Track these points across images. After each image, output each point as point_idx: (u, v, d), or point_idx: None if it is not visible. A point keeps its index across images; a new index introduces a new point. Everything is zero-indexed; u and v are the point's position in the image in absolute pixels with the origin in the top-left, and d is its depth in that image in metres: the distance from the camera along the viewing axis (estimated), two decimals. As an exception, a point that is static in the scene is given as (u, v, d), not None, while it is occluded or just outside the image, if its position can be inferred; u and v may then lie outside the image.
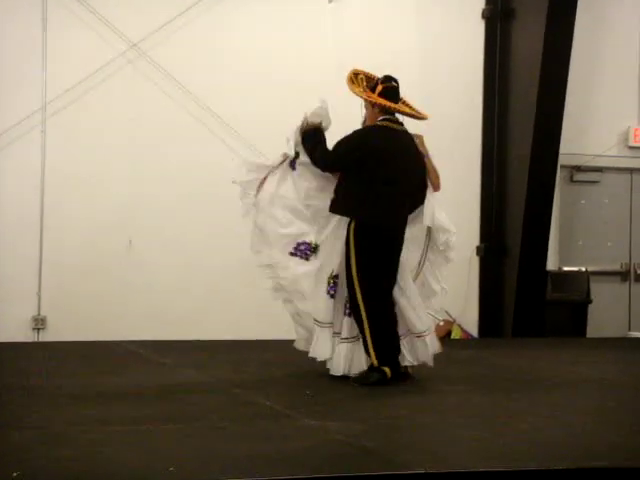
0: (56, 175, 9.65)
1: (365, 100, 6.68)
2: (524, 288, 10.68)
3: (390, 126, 6.64)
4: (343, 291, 6.58)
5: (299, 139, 6.69)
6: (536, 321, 10.71)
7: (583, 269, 11.22)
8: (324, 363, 6.65)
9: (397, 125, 6.68)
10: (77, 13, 9.71)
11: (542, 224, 10.70)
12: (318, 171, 6.68)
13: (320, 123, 6.67)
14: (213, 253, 9.80)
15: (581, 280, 11.03)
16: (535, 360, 8.50)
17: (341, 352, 6.55)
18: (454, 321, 10.58)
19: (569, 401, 6.17)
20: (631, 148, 11.56)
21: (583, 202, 11.56)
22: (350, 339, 6.57)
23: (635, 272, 11.68)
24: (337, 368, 6.55)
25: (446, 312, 10.16)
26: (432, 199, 6.69)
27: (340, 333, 6.57)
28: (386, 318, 6.49)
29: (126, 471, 3.96)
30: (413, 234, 6.70)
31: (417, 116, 6.81)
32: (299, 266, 6.69)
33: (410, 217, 6.67)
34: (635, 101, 11.55)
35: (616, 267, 11.63)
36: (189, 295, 9.87)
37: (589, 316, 10.97)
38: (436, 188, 6.74)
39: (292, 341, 7.00)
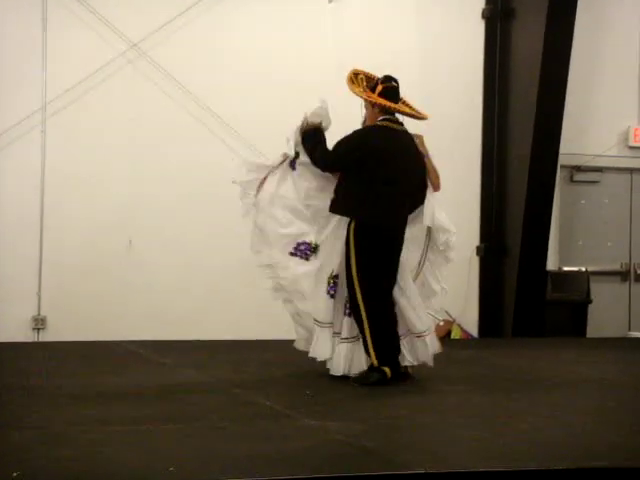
0: (56, 175, 9.65)
1: (365, 100, 6.69)
2: (524, 288, 10.68)
3: (390, 126, 6.64)
4: (343, 291, 6.58)
5: (299, 139, 6.69)
6: (536, 321, 10.71)
7: (583, 269, 11.22)
8: (324, 363, 6.65)
9: (397, 125, 6.68)
10: (77, 13, 9.71)
11: (542, 224, 10.70)
12: (318, 171, 6.68)
13: (320, 123, 6.67)
14: (213, 253, 9.81)
15: (581, 280, 11.03)
16: (535, 360, 8.50)
17: (341, 352, 6.55)
18: (454, 321, 10.58)
19: (569, 401, 6.17)
20: (631, 148, 11.56)
21: (583, 202, 11.56)
22: (350, 339, 6.57)
23: (635, 272, 11.68)
24: (337, 368, 6.55)
25: (446, 312, 10.16)
26: (432, 199, 6.69)
27: (340, 333, 6.57)
28: (386, 318, 6.49)
29: (126, 471, 3.96)
30: (413, 234, 6.70)
31: (417, 116, 6.82)
32: (299, 266, 6.69)
33: (410, 217, 6.68)
34: (635, 101, 11.55)
35: (616, 267, 11.63)
36: (189, 295, 9.86)
37: (589, 316, 10.97)
38: (436, 188, 6.74)
39: (292, 341, 7.00)
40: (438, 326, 7.16)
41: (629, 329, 11.49)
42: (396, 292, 6.58)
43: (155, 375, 6.91)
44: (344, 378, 6.50)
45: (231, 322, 9.67)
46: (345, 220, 6.54)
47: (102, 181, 9.77)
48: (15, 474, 3.76)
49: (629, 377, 7.63)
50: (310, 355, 6.68)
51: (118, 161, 9.82)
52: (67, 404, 5.54)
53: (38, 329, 9.65)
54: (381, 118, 6.63)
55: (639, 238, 11.67)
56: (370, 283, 6.45)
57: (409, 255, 6.67)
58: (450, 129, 10.50)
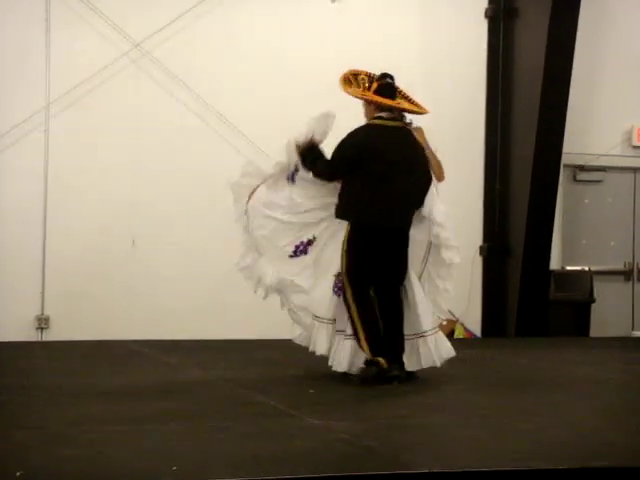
0: (59, 175, 9.66)
1: (360, 99, 6.69)
2: (527, 288, 10.68)
3: (383, 124, 6.61)
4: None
5: (298, 161, 6.66)
6: (539, 321, 10.71)
7: (586, 268, 11.22)
8: (327, 362, 6.64)
9: (392, 122, 6.63)
10: (80, 13, 9.72)
11: (545, 224, 10.69)
12: (317, 181, 6.67)
13: (313, 139, 6.63)
14: (216, 252, 9.79)
15: (584, 279, 11.03)
16: (538, 360, 8.50)
17: (345, 348, 6.55)
18: (457, 320, 10.57)
19: (572, 401, 6.16)
20: (635, 147, 11.55)
21: (586, 201, 11.55)
22: (353, 336, 6.57)
23: (638, 271, 11.67)
24: (340, 364, 6.55)
25: (449, 312, 10.13)
26: (434, 190, 6.67)
27: (344, 330, 6.57)
28: (376, 315, 6.50)
29: (128, 471, 3.96)
30: (418, 231, 6.67)
31: (416, 111, 6.78)
32: (295, 266, 6.71)
33: (416, 214, 6.65)
34: (639, 100, 11.52)
35: (619, 266, 11.62)
36: (192, 294, 9.87)
37: (592, 316, 10.97)
38: (439, 179, 6.72)
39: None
40: (441, 325, 7.12)
41: (632, 328, 11.48)
42: (400, 291, 6.58)
43: (159, 374, 6.92)
44: (347, 377, 6.50)
45: (235, 321, 9.68)
46: (345, 222, 6.57)
47: (105, 181, 9.78)
48: (18, 473, 3.76)
49: (633, 376, 7.62)
50: (310, 349, 6.69)
51: (121, 161, 9.82)
52: (69, 403, 5.54)
53: (41, 329, 9.65)
54: (376, 116, 6.63)
55: (643, 238, 11.68)
56: (360, 282, 6.47)
57: (414, 252, 6.65)
58: (453, 129, 10.51)
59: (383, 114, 6.62)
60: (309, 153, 6.61)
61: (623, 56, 11.39)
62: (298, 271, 6.73)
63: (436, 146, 6.76)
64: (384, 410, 5.57)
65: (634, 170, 11.68)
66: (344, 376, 6.53)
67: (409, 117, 6.76)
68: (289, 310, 6.87)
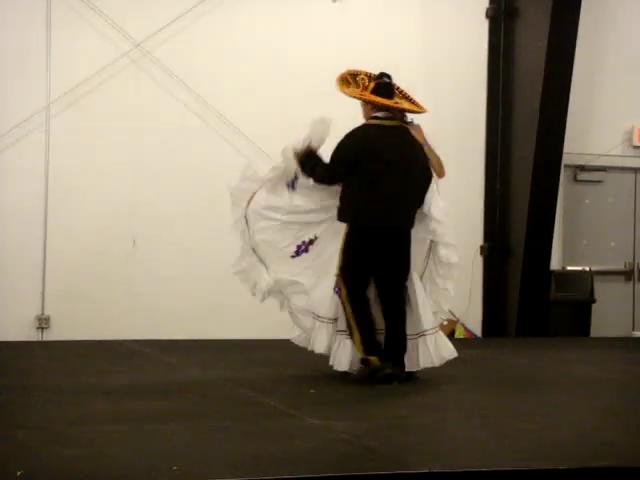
0: (60, 174, 9.66)
1: (357, 99, 6.69)
2: (528, 288, 10.67)
3: (380, 123, 6.61)
4: None
5: (298, 168, 6.66)
6: (540, 321, 10.71)
7: (587, 269, 11.22)
8: (327, 362, 6.64)
9: (389, 121, 6.62)
10: (81, 13, 9.71)
11: (546, 224, 10.69)
12: (318, 186, 6.67)
13: (310, 145, 6.62)
14: (217, 252, 9.78)
15: (585, 280, 11.03)
16: (539, 360, 8.49)
17: (346, 348, 6.55)
18: (458, 320, 10.57)
19: (573, 401, 6.16)
20: (635, 147, 11.55)
21: (587, 202, 11.55)
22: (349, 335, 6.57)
23: (639, 271, 11.67)
24: (341, 364, 6.55)
25: (450, 312, 10.13)
26: (434, 187, 6.65)
27: (346, 330, 6.57)
28: (370, 315, 6.51)
29: (129, 470, 3.95)
30: (419, 229, 6.66)
31: (414, 111, 6.76)
32: (295, 266, 6.71)
33: (418, 212, 6.64)
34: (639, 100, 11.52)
35: (620, 267, 11.61)
36: (192, 294, 9.86)
37: (593, 316, 10.97)
38: (440, 175, 6.71)
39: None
40: (442, 325, 7.12)
41: (633, 329, 11.48)
42: (403, 291, 6.58)
43: (159, 374, 6.92)
44: (347, 378, 6.50)
45: (235, 321, 9.67)
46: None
47: (106, 180, 9.77)
48: (19, 473, 3.76)
49: (633, 377, 7.62)
50: (309, 348, 6.69)
51: (122, 161, 9.82)
52: (69, 403, 5.54)
53: (42, 328, 9.65)
54: (372, 115, 6.63)
55: (643, 238, 11.68)
56: (354, 282, 6.48)
57: (416, 251, 6.63)
58: (454, 128, 10.51)
59: (380, 114, 6.62)
60: (307, 160, 6.61)
61: (624, 56, 11.39)
62: (299, 271, 6.74)
63: (435, 143, 6.74)
64: (384, 410, 5.57)
65: (635, 170, 11.68)
66: (345, 376, 6.53)
67: (410, 116, 6.75)
68: (289, 312, 6.88)
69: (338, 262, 6.56)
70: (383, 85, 6.62)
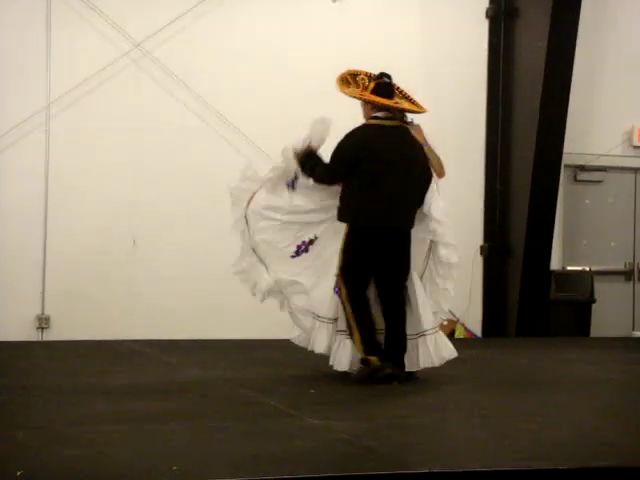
0: (60, 174, 9.66)
1: (358, 99, 6.69)
2: (528, 288, 10.67)
3: (379, 123, 6.61)
4: None
5: (298, 168, 6.66)
6: (540, 321, 10.71)
7: (587, 269, 11.22)
8: (327, 362, 6.64)
9: (389, 121, 6.62)
10: (81, 13, 9.71)
11: (546, 224, 10.69)
12: (318, 186, 6.67)
13: (310, 145, 6.62)
14: (217, 252, 9.78)
15: (585, 280, 11.03)
16: (539, 360, 8.49)
17: (346, 348, 6.55)
18: (458, 320, 10.57)
19: (573, 401, 6.16)
20: (635, 147, 11.55)
21: (587, 202, 11.55)
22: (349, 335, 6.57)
23: (639, 272, 11.67)
24: (341, 364, 6.55)
25: (450, 311, 10.13)
26: (434, 187, 6.65)
27: (346, 330, 6.57)
28: (370, 315, 6.51)
29: (129, 470, 3.95)
30: (420, 229, 6.66)
31: (414, 111, 6.75)
32: (294, 266, 6.71)
33: (418, 212, 6.64)
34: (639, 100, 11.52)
35: (620, 267, 11.61)
36: (192, 294, 9.86)
37: (593, 316, 10.97)
38: (440, 175, 6.70)
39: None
40: (442, 325, 7.11)
41: (633, 329, 11.48)
42: (404, 291, 6.58)
43: (159, 374, 6.92)
44: (347, 378, 6.50)
45: (235, 321, 9.67)
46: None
47: (106, 180, 9.77)
48: (19, 473, 3.76)
49: (633, 377, 7.62)
50: (309, 348, 6.70)
51: (122, 161, 9.82)
52: (69, 403, 5.54)
53: (42, 328, 9.65)
54: (372, 115, 6.63)
55: (643, 238, 11.68)
56: (354, 282, 6.48)
57: (416, 251, 6.63)
58: (454, 128, 10.51)
59: (380, 114, 6.62)
60: (307, 160, 6.60)
61: (624, 56, 11.39)
62: (299, 271, 6.74)
63: (435, 143, 6.73)
64: (384, 410, 5.57)
65: (635, 170, 11.68)
66: (345, 376, 6.53)
67: (410, 116, 6.75)
68: (289, 312, 6.88)
69: (338, 262, 6.56)
70: (383, 85, 6.62)
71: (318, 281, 6.69)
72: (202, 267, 9.86)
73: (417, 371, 6.63)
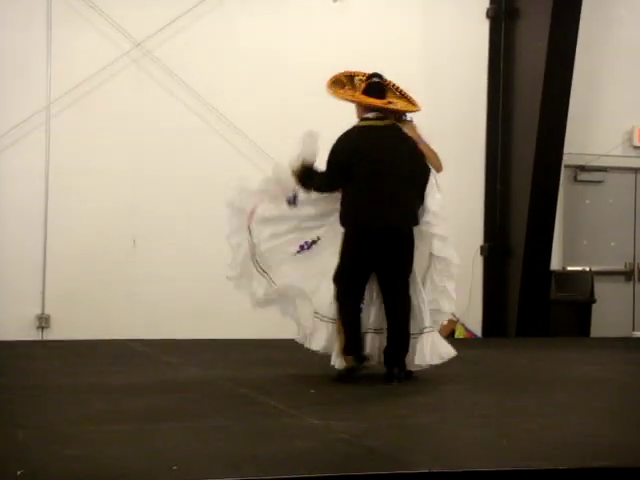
0: (60, 174, 9.66)
1: (350, 101, 6.68)
2: (528, 288, 10.67)
3: (369, 124, 6.59)
4: None
5: (298, 187, 6.66)
6: (540, 321, 10.71)
7: (587, 269, 11.22)
8: (328, 362, 6.64)
9: (379, 121, 6.60)
10: (81, 12, 9.71)
11: (546, 224, 10.69)
12: (319, 197, 6.68)
13: (305, 162, 6.61)
14: (217, 252, 9.74)
15: (585, 280, 11.03)
16: (539, 360, 8.49)
17: None
18: (458, 320, 10.56)
19: (573, 401, 6.16)
20: (636, 148, 11.55)
21: (587, 202, 11.55)
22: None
23: (639, 272, 11.66)
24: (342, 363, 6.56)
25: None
26: (433, 181, 6.63)
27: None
28: (357, 316, 6.51)
29: (129, 470, 3.95)
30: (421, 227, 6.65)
31: (407, 110, 6.72)
32: (294, 270, 6.72)
33: (420, 209, 6.63)
34: (640, 100, 11.53)
35: (620, 267, 11.62)
36: (193, 294, 9.86)
37: (593, 316, 10.97)
38: (438, 169, 6.68)
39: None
40: (442, 325, 7.10)
41: (633, 329, 11.48)
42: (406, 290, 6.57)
43: (159, 374, 6.91)
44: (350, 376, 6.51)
45: (235, 321, 9.65)
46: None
47: (106, 180, 9.77)
48: (19, 473, 3.76)
49: (633, 377, 7.62)
50: (306, 345, 6.71)
51: (122, 160, 9.82)
52: (69, 403, 5.54)
53: (42, 328, 9.65)
54: (363, 117, 6.62)
55: (643, 238, 11.68)
56: (344, 282, 6.48)
57: (420, 249, 6.61)
58: (454, 128, 10.51)
59: (370, 114, 6.60)
60: (305, 176, 6.60)
61: (624, 56, 11.39)
62: (302, 272, 6.72)
63: (431, 138, 6.71)
64: (384, 410, 5.57)
65: (635, 170, 11.68)
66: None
67: (409, 114, 6.74)
68: (293, 318, 6.88)
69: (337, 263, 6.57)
70: (373, 85, 6.61)
71: (320, 280, 6.68)
72: (202, 267, 9.85)
73: (417, 371, 6.62)
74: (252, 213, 6.75)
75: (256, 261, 6.76)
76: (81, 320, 9.53)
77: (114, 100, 9.80)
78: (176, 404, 5.57)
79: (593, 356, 8.94)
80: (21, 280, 9.59)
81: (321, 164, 6.63)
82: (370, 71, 6.73)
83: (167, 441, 4.51)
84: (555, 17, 10.25)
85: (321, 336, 6.61)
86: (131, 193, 9.82)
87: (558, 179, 10.73)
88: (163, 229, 9.90)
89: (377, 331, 6.59)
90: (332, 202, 6.67)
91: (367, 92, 6.58)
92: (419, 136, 6.66)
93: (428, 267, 6.67)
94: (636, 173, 11.70)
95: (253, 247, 6.74)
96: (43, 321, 9.65)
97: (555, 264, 11.00)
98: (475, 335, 10.84)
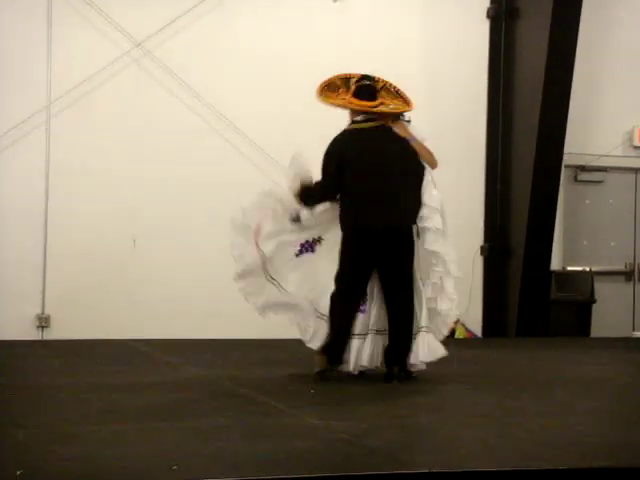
0: (60, 173, 9.66)
1: (337, 106, 6.68)
2: (528, 288, 10.68)
3: (358, 127, 6.58)
4: None
5: (301, 207, 6.66)
6: (540, 321, 10.71)
7: (587, 269, 11.23)
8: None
9: (369, 123, 6.59)
10: (82, 12, 9.71)
11: (546, 224, 10.69)
12: (320, 207, 6.69)
13: (303, 182, 6.59)
14: (218, 252, 9.74)
15: (585, 280, 11.03)
16: (539, 360, 8.49)
17: (351, 348, 6.53)
18: (458, 320, 10.55)
19: (573, 401, 6.15)
20: (636, 148, 11.55)
21: (587, 202, 11.55)
22: (358, 335, 6.55)
23: (639, 272, 11.66)
24: (346, 363, 6.55)
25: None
26: (429, 178, 6.62)
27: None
28: (347, 319, 6.51)
29: (129, 469, 3.95)
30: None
31: (399, 111, 6.69)
32: (302, 265, 6.72)
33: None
34: (640, 101, 11.53)
35: (620, 267, 11.62)
36: (193, 294, 9.86)
37: (593, 316, 10.97)
38: (433, 166, 6.67)
39: (297, 340, 6.99)
40: (450, 328, 7.09)
41: (633, 329, 11.48)
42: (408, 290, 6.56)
43: (159, 374, 6.91)
44: (347, 378, 6.50)
45: (235, 321, 9.64)
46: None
47: (106, 180, 9.77)
48: (18, 473, 3.75)
49: (633, 377, 7.62)
50: (307, 344, 6.72)
51: (122, 160, 9.82)
52: (69, 403, 5.54)
53: (42, 327, 9.66)
54: (352, 120, 6.62)
55: (644, 238, 11.68)
56: (339, 284, 6.48)
57: (422, 252, 6.60)
58: (454, 128, 10.51)
59: (359, 117, 6.60)
60: (306, 194, 6.58)
61: (624, 57, 11.39)
62: (305, 277, 6.72)
63: (425, 135, 6.70)
64: (384, 410, 5.57)
65: (635, 170, 11.68)
66: (345, 375, 6.53)
67: (407, 114, 6.74)
68: (299, 323, 6.88)
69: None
70: (364, 88, 6.60)
71: (323, 281, 6.67)
72: (202, 267, 9.85)
73: (417, 371, 6.62)
74: (258, 230, 6.75)
75: (266, 270, 6.76)
76: (81, 320, 9.53)
77: (114, 100, 9.80)
78: (176, 404, 5.57)
79: (593, 356, 8.94)
80: (21, 280, 9.59)
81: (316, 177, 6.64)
82: (370, 71, 6.74)
83: (167, 441, 4.50)
84: (555, 17, 10.25)
85: (321, 335, 6.61)
86: (131, 193, 9.83)
87: (558, 179, 10.73)
88: (163, 229, 9.91)
89: (379, 332, 6.58)
90: (333, 211, 6.67)
91: (357, 95, 6.58)
92: (410, 135, 6.65)
93: (428, 265, 6.66)
94: (636, 173, 11.70)
95: (264, 257, 6.73)
96: (43, 321, 9.65)
97: (555, 264, 11.00)
98: (475, 335, 10.84)
